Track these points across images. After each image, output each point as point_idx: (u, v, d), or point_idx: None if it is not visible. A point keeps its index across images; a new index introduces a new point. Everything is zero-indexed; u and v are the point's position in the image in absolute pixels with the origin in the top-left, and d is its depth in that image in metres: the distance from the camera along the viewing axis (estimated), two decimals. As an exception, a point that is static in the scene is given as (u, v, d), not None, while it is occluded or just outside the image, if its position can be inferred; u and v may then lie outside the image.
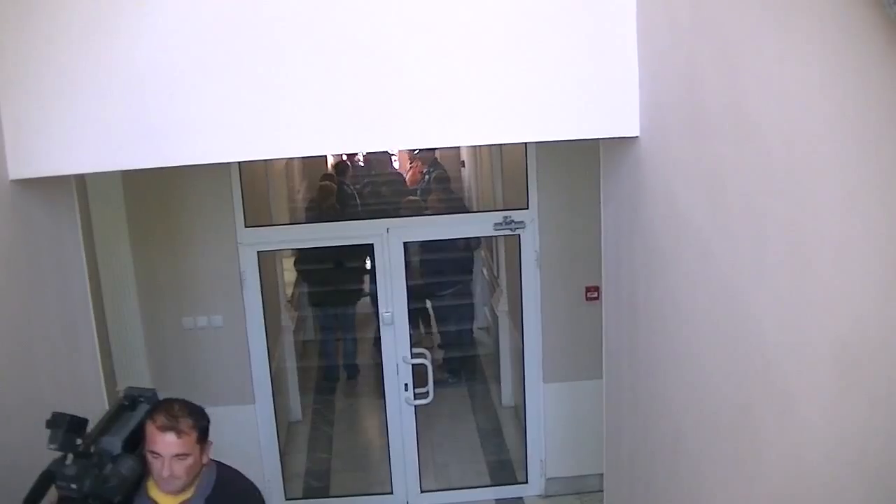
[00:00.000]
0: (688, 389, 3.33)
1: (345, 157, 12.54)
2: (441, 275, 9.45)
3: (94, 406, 4.33)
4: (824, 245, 2.19)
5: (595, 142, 4.30)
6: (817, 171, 2.21)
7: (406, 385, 7.30)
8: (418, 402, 7.32)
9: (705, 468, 3.17)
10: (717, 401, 2.99)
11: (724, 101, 2.80)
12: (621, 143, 3.89)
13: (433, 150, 12.21)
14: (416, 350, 7.39)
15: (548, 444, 7.46)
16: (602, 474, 4.95)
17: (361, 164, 15.27)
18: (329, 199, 10.05)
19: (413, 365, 7.28)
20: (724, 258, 2.86)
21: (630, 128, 3.70)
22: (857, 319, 2.08)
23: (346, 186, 11.70)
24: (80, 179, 5.61)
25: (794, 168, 2.33)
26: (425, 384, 7.31)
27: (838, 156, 2.11)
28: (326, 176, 11.19)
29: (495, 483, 7.84)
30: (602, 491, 5.00)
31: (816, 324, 2.27)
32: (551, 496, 7.52)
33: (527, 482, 7.65)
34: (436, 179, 11.02)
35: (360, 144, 4.18)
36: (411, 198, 10.37)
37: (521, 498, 7.59)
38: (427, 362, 7.35)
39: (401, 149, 12.38)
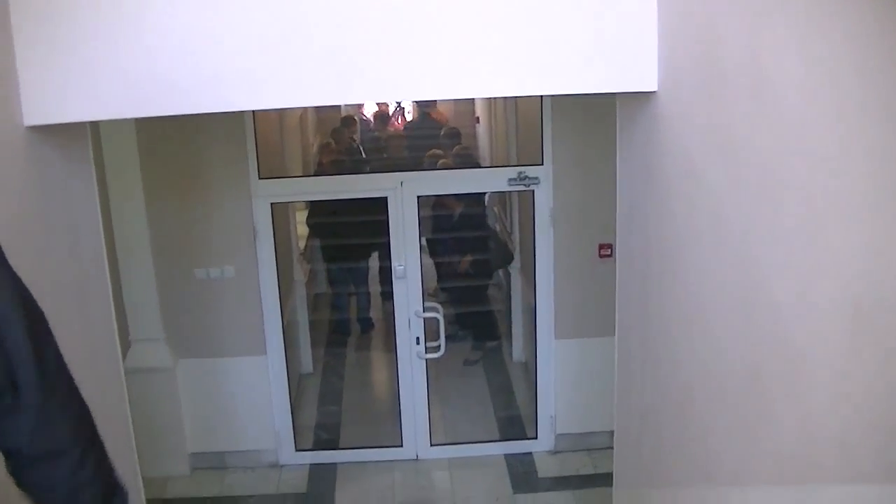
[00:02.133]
0: (698, 349, 3.32)
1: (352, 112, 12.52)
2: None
3: (106, 356, 4.36)
4: (840, 205, 2.17)
5: (611, 98, 4.27)
6: (836, 132, 2.19)
7: (417, 339, 7.33)
8: (429, 355, 7.35)
9: (714, 428, 3.17)
10: (727, 362, 2.99)
11: (742, 58, 2.77)
12: (638, 99, 3.85)
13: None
14: (428, 304, 7.41)
15: (558, 401, 7.48)
16: (612, 431, 4.95)
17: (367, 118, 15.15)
18: (332, 154, 10.01)
19: (424, 319, 7.30)
20: (737, 218, 2.84)
21: (648, 82, 3.66)
22: (871, 280, 2.06)
23: (353, 141, 11.67)
24: (95, 131, 5.61)
25: (812, 128, 2.31)
26: (437, 338, 7.33)
27: (859, 116, 2.08)
28: (333, 131, 11.15)
29: (505, 438, 7.89)
30: (611, 448, 5.01)
31: (830, 285, 2.26)
32: (561, 452, 7.55)
33: (536, 438, 7.68)
34: (447, 135, 10.95)
35: (373, 95, 4.13)
36: (396, 132, 10.34)
37: (530, 453, 7.61)
38: (439, 316, 7.36)
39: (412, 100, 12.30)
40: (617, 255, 4.61)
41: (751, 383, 2.79)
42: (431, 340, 7.34)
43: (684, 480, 3.62)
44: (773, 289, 2.59)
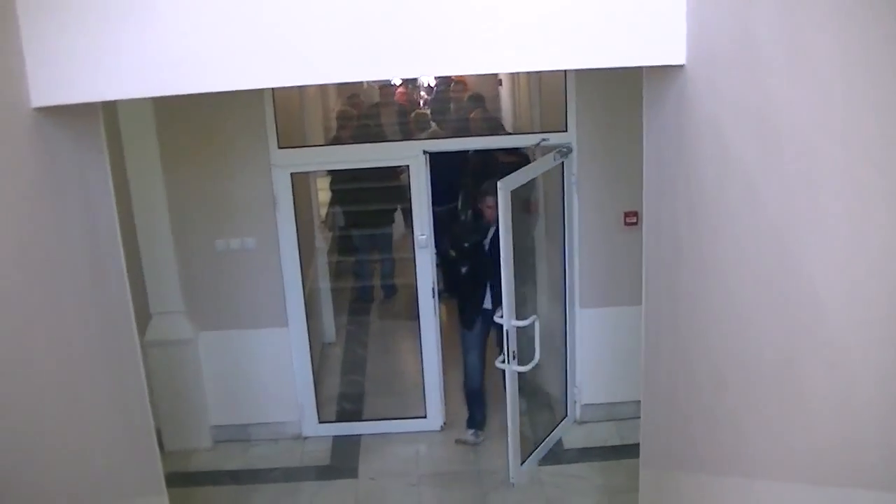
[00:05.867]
0: (729, 334, 3.22)
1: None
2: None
3: (122, 332, 4.31)
4: (887, 193, 2.06)
5: (638, 68, 4.14)
6: (879, 113, 2.06)
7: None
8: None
9: (746, 416, 3.08)
10: (761, 348, 2.89)
11: (777, 32, 2.63)
12: (666, 71, 3.73)
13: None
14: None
15: (583, 370, 7.38)
16: (637, 402, 4.87)
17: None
18: (349, 122, 9.87)
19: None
20: (773, 199, 2.72)
21: (676, 56, 3.53)
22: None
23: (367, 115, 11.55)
24: (110, 104, 5.53)
25: (855, 107, 2.19)
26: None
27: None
28: (349, 99, 11.03)
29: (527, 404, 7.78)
30: (637, 418, 4.94)
31: (873, 271, 2.15)
32: (586, 422, 7.47)
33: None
34: (471, 99, 10.81)
35: (396, 71, 4.04)
36: (420, 111, 10.22)
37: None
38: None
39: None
40: (644, 228, 4.50)
41: (785, 374, 2.69)
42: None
43: (713, 468, 3.53)
44: (813, 277, 2.48)
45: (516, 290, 6.43)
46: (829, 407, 2.42)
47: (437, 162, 7.13)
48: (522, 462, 6.77)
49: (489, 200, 6.89)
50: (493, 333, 7.24)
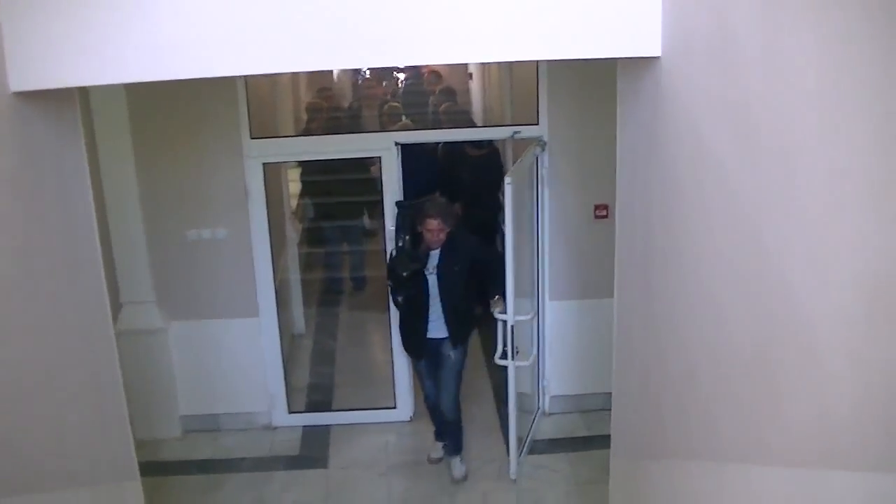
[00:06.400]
0: (702, 324, 3.27)
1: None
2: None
3: (96, 320, 4.31)
4: (859, 183, 2.11)
5: (612, 60, 4.18)
6: (855, 109, 2.11)
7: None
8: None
9: (719, 406, 3.13)
10: (734, 338, 2.94)
11: (755, 27, 2.68)
12: (641, 63, 3.77)
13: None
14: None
15: (551, 363, 7.43)
16: (605, 393, 4.92)
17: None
18: (319, 114, 9.83)
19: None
20: (747, 192, 2.77)
21: (651, 48, 3.57)
22: (891, 258, 2.00)
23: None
24: (83, 92, 5.51)
25: (830, 104, 2.23)
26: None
27: (878, 91, 2.01)
28: (320, 90, 11.00)
29: (498, 398, 7.83)
30: (605, 409, 4.98)
31: (846, 263, 2.20)
32: (554, 414, 7.53)
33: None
34: (441, 92, 10.82)
35: (365, 60, 4.05)
36: (392, 103, 10.18)
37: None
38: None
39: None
40: (617, 221, 4.55)
41: (759, 362, 2.74)
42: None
43: (685, 454, 3.58)
44: (785, 266, 2.53)
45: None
46: (802, 391, 2.47)
47: (411, 155, 7.14)
48: (520, 455, 6.84)
49: (430, 223, 6.23)
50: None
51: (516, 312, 6.31)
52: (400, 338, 6.95)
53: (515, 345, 6.38)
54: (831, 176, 2.24)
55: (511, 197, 6.00)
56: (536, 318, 7.16)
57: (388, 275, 6.69)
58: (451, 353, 6.53)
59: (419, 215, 6.34)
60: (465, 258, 6.44)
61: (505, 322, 6.35)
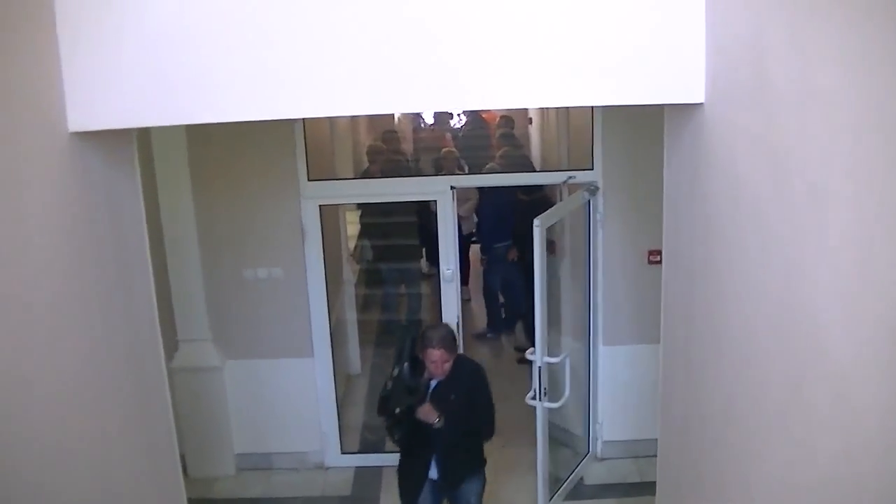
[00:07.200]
0: (740, 362, 3.26)
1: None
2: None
3: (148, 355, 4.38)
4: (890, 222, 2.11)
5: (660, 106, 4.21)
6: (885, 148, 2.12)
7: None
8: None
9: (755, 443, 3.10)
10: (769, 377, 2.92)
11: (790, 72, 2.70)
12: (685, 109, 3.79)
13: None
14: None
15: (605, 408, 7.40)
16: (657, 439, 4.90)
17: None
18: (379, 156, 9.97)
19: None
20: (783, 234, 2.77)
21: (694, 94, 3.59)
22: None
23: (400, 154, 11.70)
24: (144, 130, 5.65)
25: (862, 150, 2.24)
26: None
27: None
28: (385, 133, 11.15)
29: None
30: (656, 455, 4.96)
31: (876, 307, 2.19)
32: (607, 459, 7.48)
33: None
34: (502, 136, 10.90)
35: (422, 104, 4.12)
36: (449, 149, 10.29)
37: (577, 460, 7.54)
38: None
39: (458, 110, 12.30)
40: (663, 262, 4.56)
41: (793, 399, 2.72)
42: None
43: (723, 496, 3.55)
44: (817, 303, 2.52)
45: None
46: (834, 434, 2.45)
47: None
48: (550, 499, 6.78)
49: (432, 353, 5.59)
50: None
51: (548, 354, 6.31)
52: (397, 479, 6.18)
53: (544, 386, 6.34)
54: (862, 219, 2.24)
55: (539, 240, 6.00)
56: (588, 361, 7.15)
57: (378, 410, 5.86)
58: (471, 499, 5.94)
59: (422, 344, 5.70)
60: (464, 385, 5.77)
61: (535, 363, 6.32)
